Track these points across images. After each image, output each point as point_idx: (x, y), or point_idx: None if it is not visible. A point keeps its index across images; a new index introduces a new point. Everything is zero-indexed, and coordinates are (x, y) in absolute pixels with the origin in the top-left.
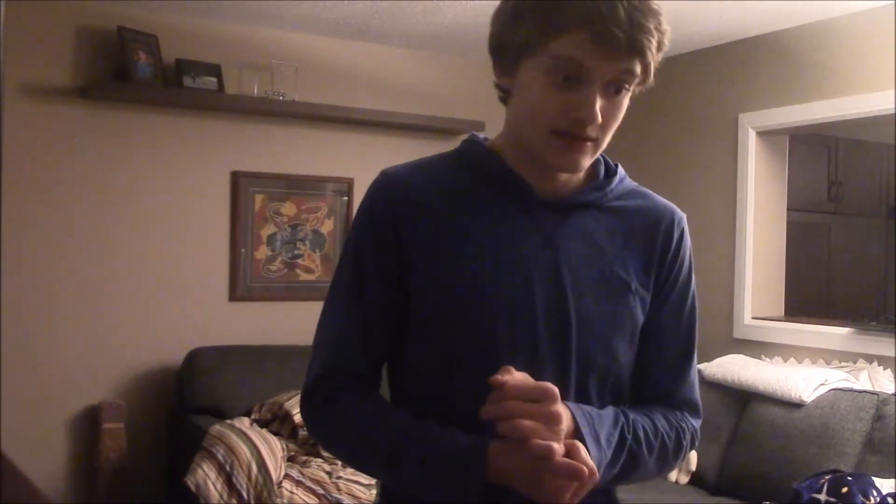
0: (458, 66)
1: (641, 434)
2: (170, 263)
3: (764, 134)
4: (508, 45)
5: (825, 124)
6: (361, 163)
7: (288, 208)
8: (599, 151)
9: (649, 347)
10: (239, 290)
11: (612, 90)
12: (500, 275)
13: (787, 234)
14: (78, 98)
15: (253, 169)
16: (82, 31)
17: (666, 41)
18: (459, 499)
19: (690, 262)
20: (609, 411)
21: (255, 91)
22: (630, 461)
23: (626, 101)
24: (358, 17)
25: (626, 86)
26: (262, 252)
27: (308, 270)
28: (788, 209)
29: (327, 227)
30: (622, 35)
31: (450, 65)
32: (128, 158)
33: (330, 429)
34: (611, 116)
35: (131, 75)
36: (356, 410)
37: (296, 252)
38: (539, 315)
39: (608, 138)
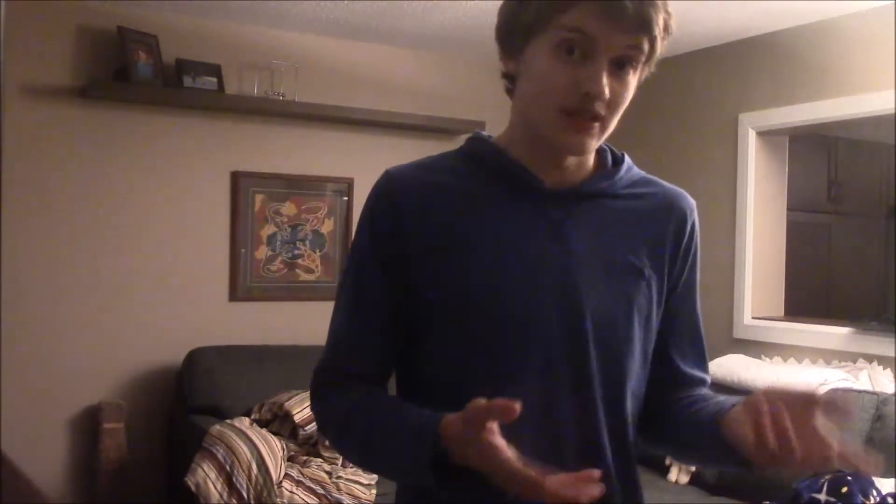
0: (458, 66)
1: None
2: (170, 263)
3: (764, 134)
4: (517, 26)
5: (825, 124)
6: (361, 163)
7: (288, 208)
8: (606, 134)
9: (676, 330)
10: (239, 290)
11: (619, 68)
12: (508, 270)
13: (787, 234)
14: (78, 98)
15: (253, 169)
16: (82, 31)
17: (672, 24)
18: (416, 477)
19: (699, 246)
20: None
21: (255, 91)
22: None
23: (633, 82)
24: (358, 17)
25: (634, 63)
26: (262, 252)
27: (308, 270)
28: (788, 209)
29: (327, 227)
30: (631, 6)
31: (450, 65)
32: (128, 158)
33: (321, 420)
34: (618, 95)
35: (131, 75)
36: (342, 402)
37: (296, 252)
38: (551, 308)
39: (615, 120)
